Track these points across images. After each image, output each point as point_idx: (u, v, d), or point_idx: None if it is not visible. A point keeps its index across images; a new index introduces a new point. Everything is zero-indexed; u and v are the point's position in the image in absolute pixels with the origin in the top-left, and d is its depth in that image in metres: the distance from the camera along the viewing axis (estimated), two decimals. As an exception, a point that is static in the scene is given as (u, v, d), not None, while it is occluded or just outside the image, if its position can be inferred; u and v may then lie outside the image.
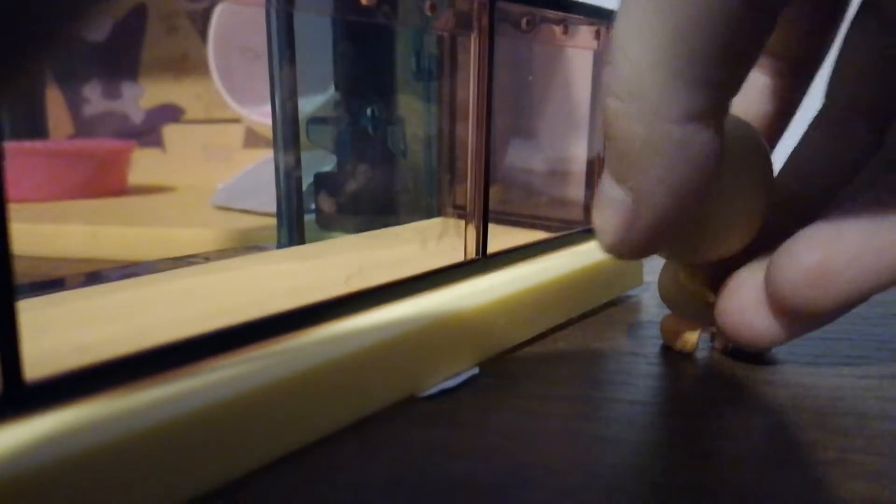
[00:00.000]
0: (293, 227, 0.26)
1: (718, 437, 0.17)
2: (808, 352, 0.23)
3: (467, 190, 0.23)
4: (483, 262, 0.23)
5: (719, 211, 0.18)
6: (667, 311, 0.23)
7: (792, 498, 0.14)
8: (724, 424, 0.17)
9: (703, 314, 0.21)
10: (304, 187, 0.29)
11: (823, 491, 0.14)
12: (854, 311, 0.27)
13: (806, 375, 0.21)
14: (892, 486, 0.15)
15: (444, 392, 0.19)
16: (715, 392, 0.19)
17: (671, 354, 0.22)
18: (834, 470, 0.15)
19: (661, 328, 0.22)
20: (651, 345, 0.23)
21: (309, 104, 0.30)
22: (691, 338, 0.22)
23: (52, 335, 0.16)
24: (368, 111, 0.31)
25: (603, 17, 0.28)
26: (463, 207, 0.24)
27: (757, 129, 0.19)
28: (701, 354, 0.22)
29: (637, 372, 0.21)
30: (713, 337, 0.22)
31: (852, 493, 0.14)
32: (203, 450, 0.14)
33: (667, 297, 0.21)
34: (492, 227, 0.24)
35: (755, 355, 0.22)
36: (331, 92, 0.31)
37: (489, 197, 0.23)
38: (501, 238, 0.25)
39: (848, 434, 0.17)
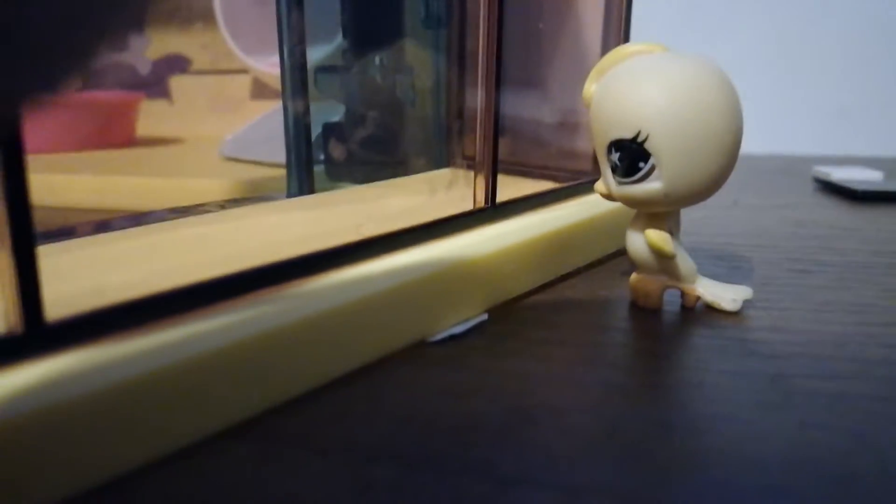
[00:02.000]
0: (302, 176, 0.26)
1: (721, 381, 0.17)
2: (813, 299, 0.23)
3: (476, 140, 0.23)
4: (492, 211, 0.24)
5: None
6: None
7: (791, 437, 0.15)
8: (729, 369, 0.18)
9: (667, 270, 0.21)
10: (313, 137, 0.29)
11: (822, 429, 0.15)
12: (861, 260, 0.27)
13: (810, 322, 0.21)
14: (892, 428, 0.15)
15: (453, 337, 0.20)
16: (718, 340, 0.20)
17: (677, 304, 0.22)
18: (833, 410, 0.16)
19: (630, 285, 0.23)
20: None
21: (317, 53, 0.30)
22: (655, 294, 0.22)
23: (69, 279, 0.16)
24: (377, 60, 0.30)
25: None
26: (472, 157, 0.24)
27: None
28: (700, 305, 0.22)
29: (641, 320, 0.21)
30: (683, 296, 0.22)
31: (854, 433, 0.15)
32: (217, 390, 0.14)
33: (633, 253, 0.21)
34: (501, 178, 0.24)
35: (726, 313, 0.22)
36: (339, 40, 0.31)
37: (498, 147, 0.23)
38: (510, 188, 0.25)
39: (850, 378, 0.17)
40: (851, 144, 0.64)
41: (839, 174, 0.46)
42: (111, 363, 0.13)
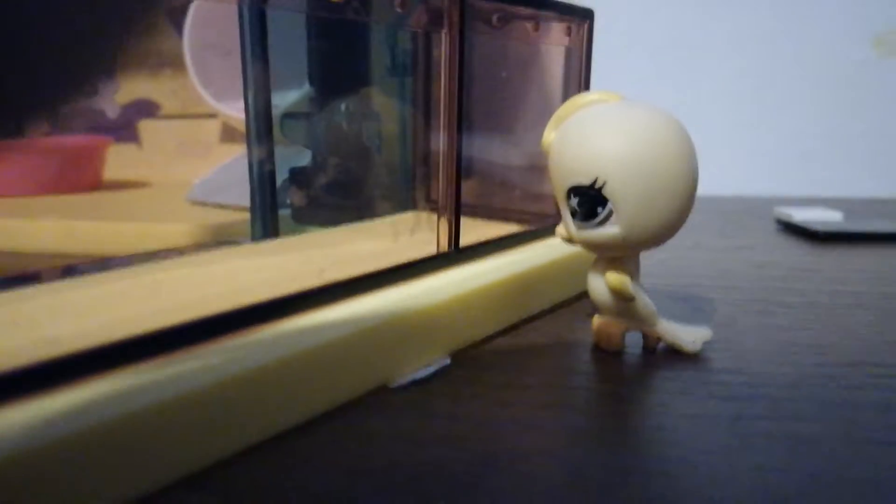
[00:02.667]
0: (267, 220, 0.26)
1: (682, 425, 0.17)
2: (774, 340, 0.23)
3: (439, 184, 0.24)
4: (455, 254, 0.24)
5: None
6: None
7: (750, 480, 0.15)
8: (690, 412, 0.18)
9: (627, 312, 0.21)
10: (279, 182, 0.29)
11: (780, 472, 0.15)
12: (820, 300, 0.28)
13: (770, 364, 0.21)
14: (852, 470, 0.15)
15: (415, 382, 0.20)
16: (679, 382, 0.20)
17: (639, 345, 0.22)
18: (792, 453, 0.16)
19: (592, 328, 0.23)
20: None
21: (283, 99, 0.30)
22: (616, 337, 0.22)
23: (25, 329, 0.16)
24: (343, 106, 0.31)
25: (574, 14, 0.29)
26: (436, 201, 0.24)
27: None
28: (662, 347, 0.22)
29: (603, 362, 0.21)
30: (645, 337, 0.22)
31: (814, 475, 0.15)
32: (173, 439, 0.14)
33: (594, 296, 0.22)
34: (465, 221, 0.24)
35: (687, 354, 0.22)
36: (305, 87, 0.31)
37: (461, 191, 0.24)
38: (474, 231, 0.25)
39: (809, 420, 0.17)
40: (812, 185, 0.66)
41: (800, 215, 0.47)
42: (61, 415, 0.13)
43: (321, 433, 0.17)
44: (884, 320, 0.26)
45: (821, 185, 0.66)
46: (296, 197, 0.30)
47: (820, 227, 0.43)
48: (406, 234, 0.28)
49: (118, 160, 0.59)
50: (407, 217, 0.31)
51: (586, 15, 0.29)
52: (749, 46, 0.66)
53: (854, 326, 0.25)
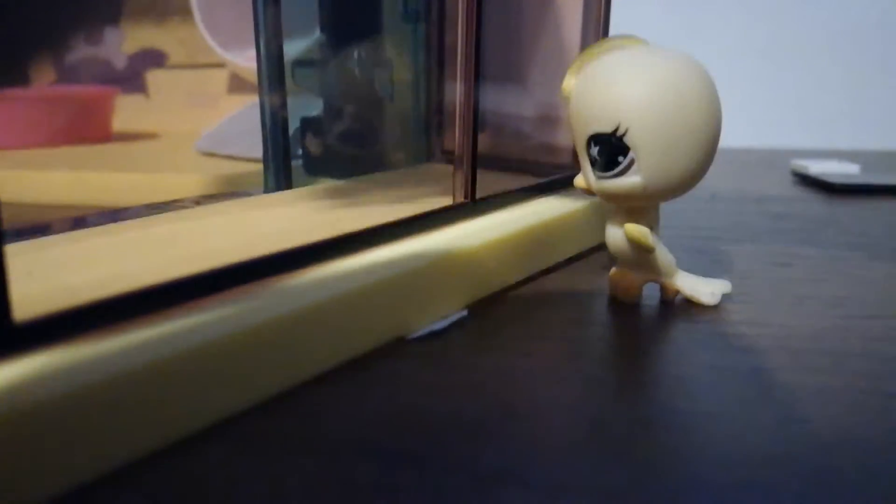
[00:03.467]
0: (280, 172, 0.26)
1: (701, 376, 0.17)
2: (791, 292, 0.23)
3: (456, 135, 0.23)
4: (472, 206, 0.23)
5: None
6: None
7: (771, 432, 0.15)
8: (709, 364, 0.18)
9: (646, 264, 0.21)
10: (291, 132, 0.29)
11: (802, 424, 0.15)
12: (837, 253, 0.28)
13: (790, 316, 0.21)
14: (871, 422, 0.15)
15: (433, 334, 0.19)
16: (699, 334, 0.20)
17: (656, 297, 0.22)
18: (813, 404, 0.16)
19: (609, 279, 0.23)
20: (638, 287, 0.23)
21: (294, 47, 0.29)
22: (634, 289, 0.22)
23: (39, 278, 0.16)
24: (355, 54, 0.30)
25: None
26: (452, 152, 0.24)
27: None
28: (680, 298, 0.22)
29: (621, 314, 0.21)
30: (663, 289, 0.22)
31: (834, 427, 0.15)
32: (194, 389, 0.14)
33: (613, 247, 0.21)
34: (481, 173, 0.24)
35: (705, 307, 0.22)
36: (316, 34, 0.31)
37: (478, 141, 0.23)
38: (490, 183, 0.25)
39: (829, 371, 0.17)
40: (829, 138, 0.65)
41: (817, 167, 0.46)
42: (83, 364, 0.13)
43: (341, 383, 0.17)
44: (903, 273, 0.25)
45: (838, 137, 0.65)
46: (308, 147, 0.30)
47: (836, 180, 0.43)
48: (422, 185, 0.27)
49: (126, 111, 0.58)
50: (422, 168, 0.31)
51: (605, -41, 0.28)
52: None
53: (872, 278, 0.25)
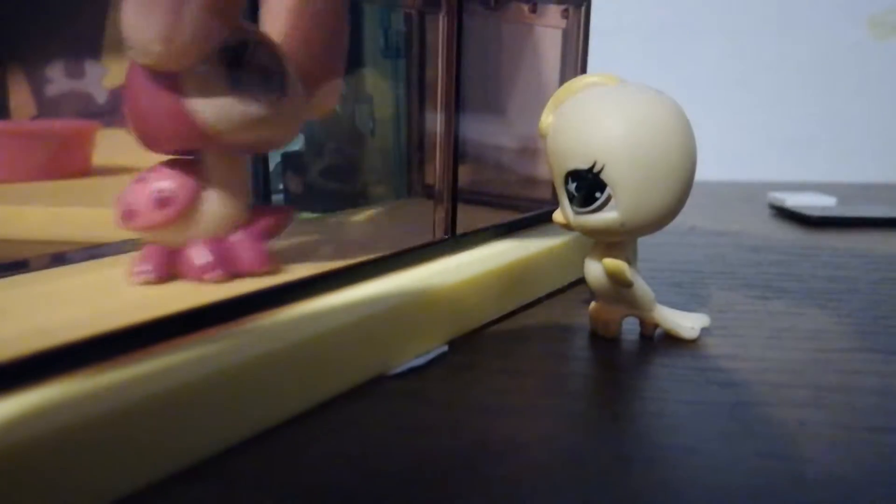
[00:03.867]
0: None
1: (681, 411, 0.17)
2: (770, 326, 0.23)
3: (436, 169, 0.23)
4: (452, 241, 0.23)
5: None
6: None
7: (750, 467, 0.15)
8: (689, 398, 0.18)
9: (625, 298, 0.21)
10: (272, 167, 0.29)
11: (782, 459, 0.15)
12: (815, 286, 0.28)
13: (768, 350, 0.21)
14: (849, 457, 0.15)
15: (413, 370, 0.19)
16: (678, 369, 0.20)
17: (636, 332, 0.22)
18: (793, 439, 0.16)
19: (589, 314, 0.23)
20: (618, 322, 0.24)
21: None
22: (613, 323, 0.22)
23: (14, 318, 0.16)
24: (336, 90, 0.30)
25: (570, -3, 0.28)
26: (432, 187, 0.24)
27: None
28: (659, 333, 0.22)
29: (601, 349, 0.21)
30: (642, 324, 0.22)
31: (813, 462, 0.15)
32: (170, 430, 0.14)
33: (592, 282, 0.21)
34: (461, 207, 0.24)
35: (685, 341, 0.22)
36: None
37: (458, 177, 0.23)
38: (471, 217, 0.25)
39: (808, 405, 0.17)
40: (806, 170, 0.66)
41: (793, 200, 0.47)
42: (56, 406, 0.12)
43: (318, 423, 0.16)
44: (879, 305, 0.26)
45: (814, 169, 0.66)
46: (289, 183, 0.30)
47: (813, 213, 0.43)
48: (402, 220, 0.27)
49: (107, 145, 0.58)
50: (403, 203, 0.31)
51: (583, -2, 0.29)
52: (743, 30, 0.66)
53: (850, 311, 0.25)
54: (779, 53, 0.66)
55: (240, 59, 0.17)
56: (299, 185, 0.30)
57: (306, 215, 0.29)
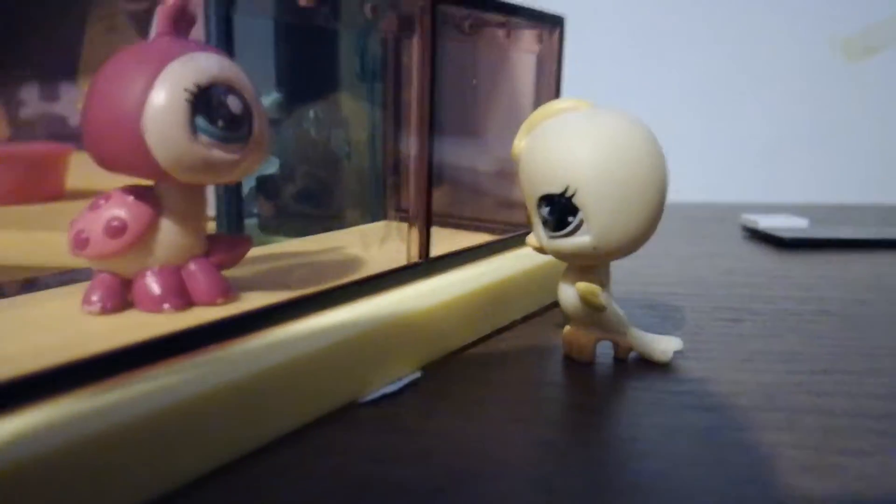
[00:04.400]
0: (233, 230, 0.26)
1: (654, 436, 0.17)
2: (742, 348, 0.23)
3: (410, 193, 0.23)
4: (426, 265, 0.23)
5: None
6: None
7: (723, 493, 0.14)
8: (662, 423, 0.18)
9: (598, 322, 0.21)
10: (247, 190, 0.28)
11: (756, 486, 0.15)
12: (788, 307, 0.28)
13: (741, 373, 0.21)
14: (822, 481, 0.15)
15: (385, 397, 0.19)
16: (651, 392, 0.20)
17: (610, 355, 0.22)
18: (765, 464, 0.16)
19: (563, 338, 0.23)
20: (592, 345, 0.24)
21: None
22: (587, 347, 0.22)
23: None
24: (311, 113, 0.30)
25: (545, 21, 0.29)
26: (406, 210, 0.24)
27: None
28: (633, 356, 0.22)
29: (575, 373, 0.21)
30: (616, 347, 0.22)
31: (785, 486, 0.15)
32: (139, 460, 0.14)
33: (565, 306, 0.21)
34: (436, 230, 0.24)
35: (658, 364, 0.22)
36: (273, 94, 0.31)
37: (432, 200, 0.23)
38: (445, 241, 0.25)
39: (780, 429, 0.17)
40: (778, 192, 0.66)
41: (766, 222, 0.47)
42: (17, 438, 0.12)
43: (287, 453, 0.16)
44: (851, 327, 0.26)
45: (786, 191, 0.66)
46: (263, 206, 0.29)
47: (786, 234, 0.44)
48: (376, 244, 0.27)
49: (81, 169, 0.57)
50: (377, 226, 0.31)
51: (557, 22, 0.29)
52: (715, 53, 0.67)
53: (822, 333, 0.25)
54: (751, 77, 0.67)
55: (207, 102, 0.17)
56: (273, 208, 0.30)
57: (279, 239, 0.29)
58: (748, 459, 0.16)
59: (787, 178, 0.68)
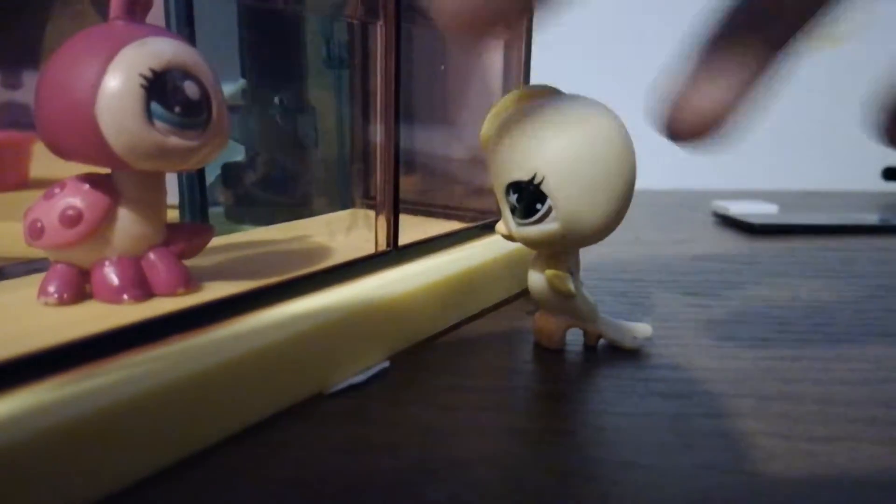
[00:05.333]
0: (197, 219, 0.25)
1: (623, 424, 0.17)
2: (712, 334, 0.23)
3: (378, 180, 0.23)
4: (394, 253, 0.23)
5: None
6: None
7: (692, 480, 0.14)
8: (630, 411, 0.18)
9: (567, 309, 0.21)
10: (211, 178, 0.28)
11: (725, 472, 0.15)
12: (757, 294, 0.28)
13: (711, 359, 0.21)
14: (791, 467, 0.15)
15: (353, 387, 0.19)
16: (620, 380, 0.20)
17: (579, 343, 0.22)
18: (732, 451, 0.16)
19: (533, 325, 0.22)
20: (562, 333, 0.23)
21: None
22: (557, 335, 0.22)
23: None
24: (277, 100, 0.30)
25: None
26: (374, 198, 0.24)
27: None
28: (603, 343, 0.22)
29: (545, 361, 0.21)
30: (585, 334, 0.22)
31: (753, 474, 0.15)
32: (97, 455, 0.13)
33: (535, 293, 0.21)
34: (405, 218, 0.23)
35: (627, 351, 0.22)
36: (238, 81, 0.30)
37: (400, 187, 0.23)
38: (414, 229, 0.25)
39: (748, 416, 0.17)
40: (749, 179, 0.67)
41: (736, 208, 0.47)
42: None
43: (253, 445, 0.16)
44: (819, 313, 0.26)
45: (757, 178, 0.67)
46: (229, 194, 0.29)
47: (756, 220, 0.44)
48: (343, 232, 0.27)
49: (44, 157, 0.56)
50: (345, 214, 0.30)
51: (525, 8, 0.29)
52: (683, 39, 0.67)
53: (791, 319, 0.25)
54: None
55: (163, 88, 0.16)
56: (238, 197, 0.29)
57: (245, 227, 0.28)
58: (717, 446, 0.16)
59: (758, 166, 0.68)
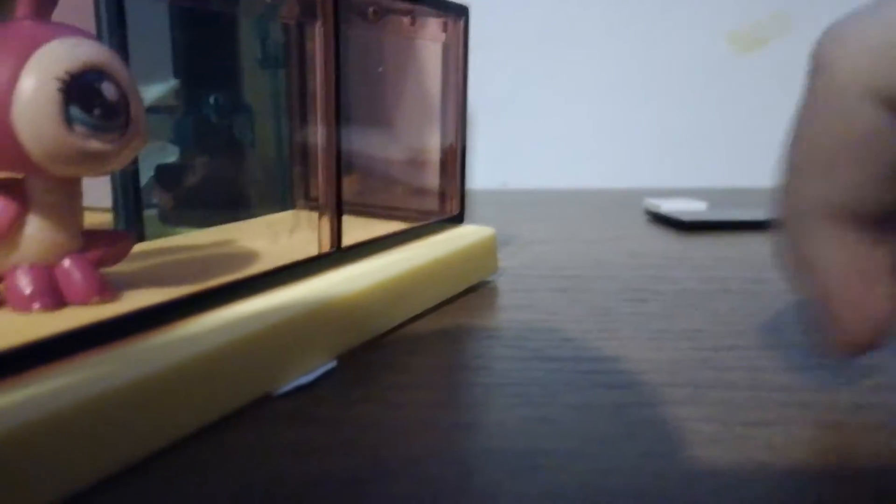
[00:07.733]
0: (131, 223, 0.25)
1: (566, 415, 0.17)
2: (649, 327, 0.24)
3: (319, 181, 0.23)
4: (338, 254, 0.23)
5: None
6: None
7: (636, 468, 0.15)
8: (573, 402, 0.18)
9: None
10: (146, 180, 0.27)
11: (667, 459, 0.15)
12: (691, 287, 0.29)
13: (648, 351, 0.22)
14: (730, 452, 0.16)
15: (299, 389, 0.19)
16: (562, 373, 0.20)
17: (527, 336, 0.23)
18: (672, 438, 0.16)
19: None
20: (507, 327, 0.24)
21: (147, 93, 0.28)
22: None
23: None
24: (211, 100, 0.29)
25: (450, 10, 0.29)
26: (316, 199, 0.23)
27: None
28: (544, 337, 0.23)
29: (493, 355, 0.21)
30: None
31: (694, 459, 0.15)
32: (37, 462, 0.13)
33: None
34: (348, 219, 0.23)
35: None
36: (170, 80, 0.30)
37: (343, 188, 0.23)
38: (357, 230, 0.25)
39: (686, 403, 0.18)
40: (679, 177, 0.69)
41: (667, 206, 0.49)
42: None
43: (195, 451, 0.16)
44: (750, 304, 0.27)
45: (686, 176, 0.69)
46: (163, 197, 0.28)
47: (685, 217, 0.45)
48: (285, 233, 0.27)
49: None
50: (286, 216, 0.30)
51: (462, 11, 0.29)
52: (616, 41, 0.68)
53: (723, 311, 0.26)
54: (649, 64, 0.69)
55: (80, 90, 0.15)
56: (173, 199, 0.28)
57: (181, 230, 0.28)
58: (658, 434, 0.16)
59: (687, 164, 0.70)
